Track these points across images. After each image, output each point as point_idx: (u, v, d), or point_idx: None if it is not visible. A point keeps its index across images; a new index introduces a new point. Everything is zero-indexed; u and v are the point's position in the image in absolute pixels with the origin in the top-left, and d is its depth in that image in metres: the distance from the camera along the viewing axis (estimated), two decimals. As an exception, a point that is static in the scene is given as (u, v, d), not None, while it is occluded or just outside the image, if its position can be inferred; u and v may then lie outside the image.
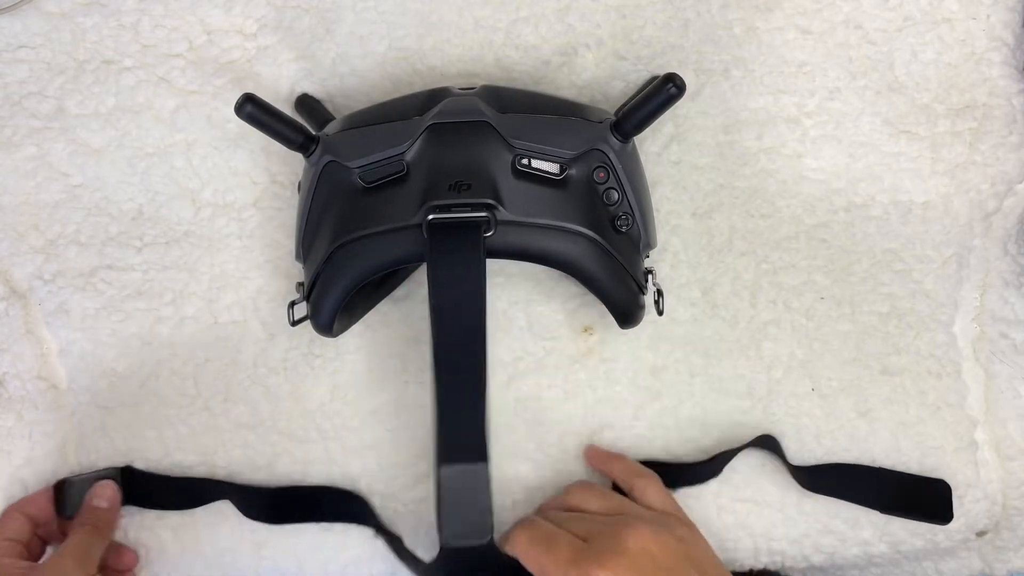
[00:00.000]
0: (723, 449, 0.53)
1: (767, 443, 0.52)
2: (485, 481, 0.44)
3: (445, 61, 0.51)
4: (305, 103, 0.51)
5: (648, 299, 0.48)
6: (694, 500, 0.53)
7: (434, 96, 0.46)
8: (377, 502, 0.54)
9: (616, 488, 0.52)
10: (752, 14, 0.51)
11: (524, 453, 0.54)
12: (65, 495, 0.52)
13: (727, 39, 0.51)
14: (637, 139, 0.47)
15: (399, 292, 0.54)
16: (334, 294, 0.44)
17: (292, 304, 0.48)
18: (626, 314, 0.46)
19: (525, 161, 0.44)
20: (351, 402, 0.54)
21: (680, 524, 0.48)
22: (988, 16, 0.50)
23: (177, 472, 0.54)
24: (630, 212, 0.45)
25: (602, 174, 0.45)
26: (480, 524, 0.45)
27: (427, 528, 0.54)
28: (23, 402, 0.54)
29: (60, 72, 0.51)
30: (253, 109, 0.42)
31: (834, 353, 0.53)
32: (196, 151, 0.52)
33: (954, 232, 0.53)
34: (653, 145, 0.52)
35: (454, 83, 0.48)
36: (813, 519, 0.54)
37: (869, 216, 0.52)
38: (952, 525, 0.53)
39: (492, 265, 0.51)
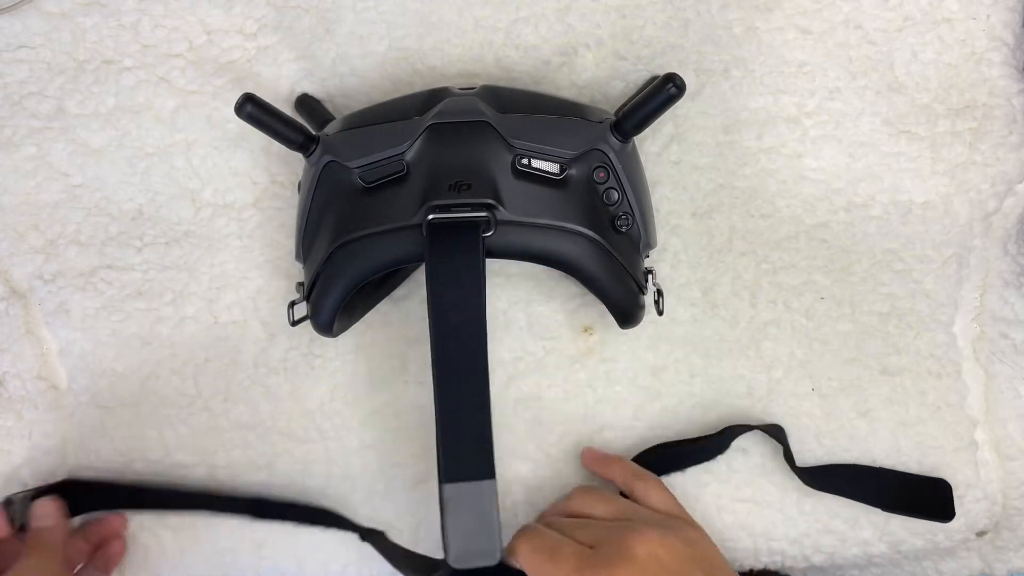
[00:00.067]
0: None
1: (775, 432, 0.52)
2: (492, 499, 0.42)
3: (445, 61, 0.51)
4: (305, 103, 0.51)
5: (648, 299, 0.48)
6: (694, 500, 0.53)
7: (434, 96, 0.46)
8: (376, 502, 0.54)
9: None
10: (752, 14, 0.51)
11: (524, 453, 0.54)
12: (13, 512, 0.51)
13: (727, 39, 0.51)
14: (637, 139, 0.47)
15: (399, 292, 0.54)
16: (334, 294, 0.44)
17: (292, 304, 0.48)
18: (626, 314, 0.46)
19: (525, 161, 0.44)
20: (351, 402, 0.54)
21: (687, 526, 0.47)
22: (988, 16, 0.50)
23: (178, 472, 0.54)
24: (630, 212, 0.45)
25: (602, 174, 0.45)
26: (488, 545, 0.42)
27: (427, 528, 0.54)
28: (23, 402, 0.54)
29: (60, 72, 0.51)
30: (253, 109, 0.42)
31: (834, 353, 0.53)
32: (196, 151, 0.52)
33: (954, 232, 0.53)
34: (653, 145, 0.52)
35: (454, 83, 0.48)
36: (813, 519, 0.54)
37: (869, 216, 0.52)
38: (952, 525, 0.53)
39: (492, 265, 0.51)
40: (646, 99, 0.43)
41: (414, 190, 0.43)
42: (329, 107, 0.51)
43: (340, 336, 0.49)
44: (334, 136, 0.45)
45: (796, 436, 0.53)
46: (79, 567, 0.52)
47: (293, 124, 0.44)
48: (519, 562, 0.44)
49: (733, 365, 0.54)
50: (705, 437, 0.53)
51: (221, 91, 0.52)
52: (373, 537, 0.52)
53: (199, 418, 0.54)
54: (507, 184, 0.43)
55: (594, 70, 0.51)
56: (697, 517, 0.50)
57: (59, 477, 0.54)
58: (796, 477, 0.52)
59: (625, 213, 0.45)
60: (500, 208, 0.43)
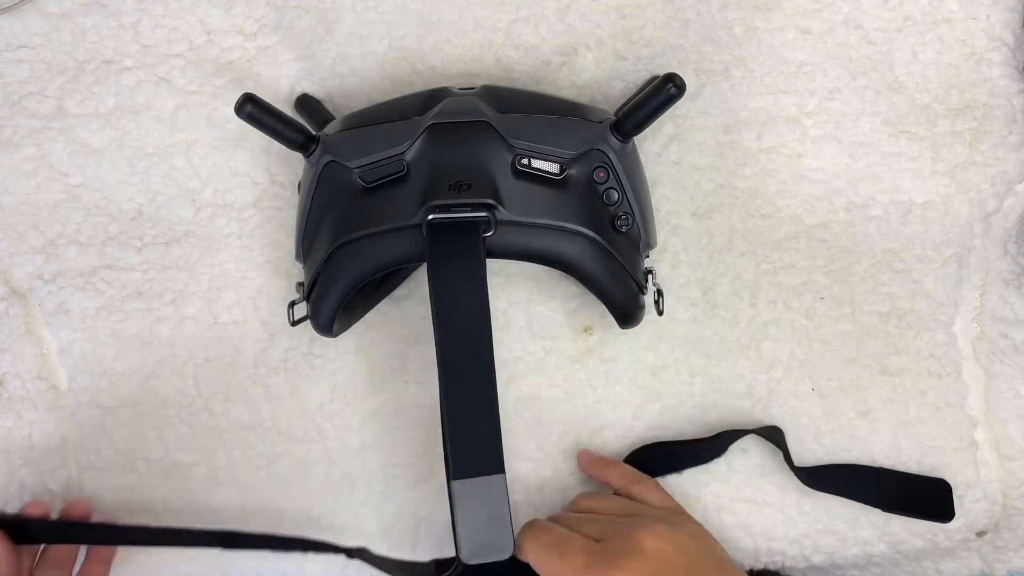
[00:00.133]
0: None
1: (773, 435, 0.52)
2: (503, 493, 0.42)
3: (445, 61, 0.51)
4: (305, 103, 0.51)
5: (648, 299, 0.48)
6: (693, 500, 0.53)
7: (434, 96, 0.46)
8: (376, 502, 0.54)
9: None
10: (752, 14, 0.51)
11: (524, 453, 0.54)
12: None
13: (727, 39, 0.51)
14: (637, 139, 0.47)
15: (399, 292, 0.54)
16: (334, 294, 0.44)
17: (292, 304, 0.48)
18: (626, 314, 0.46)
19: (525, 161, 0.44)
20: (351, 402, 0.54)
21: (689, 522, 0.48)
22: (988, 16, 0.50)
23: (178, 472, 0.54)
24: (630, 212, 0.45)
25: (602, 174, 0.45)
26: (500, 540, 0.42)
27: (427, 528, 0.54)
28: (23, 402, 0.54)
29: (60, 72, 0.51)
30: (253, 109, 0.42)
31: (834, 353, 0.53)
32: (196, 151, 0.52)
33: (954, 232, 0.53)
34: (653, 145, 0.52)
35: (454, 83, 0.48)
36: (813, 519, 0.54)
37: (869, 216, 0.52)
38: (952, 525, 0.53)
39: (492, 265, 0.51)
40: (646, 99, 0.43)
41: (414, 190, 0.43)
42: (329, 107, 0.51)
43: (340, 336, 0.49)
44: (334, 136, 0.45)
45: (796, 436, 0.53)
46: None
47: (293, 124, 0.44)
48: (528, 559, 0.44)
49: (733, 365, 0.54)
50: (701, 440, 0.53)
51: (221, 91, 0.52)
52: (360, 554, 0.52)
53: (199, 418, 0.54)
54: (507, 184, 0.43)
55: (594, 70, 0.51)
56: (697, 517, 0.50)
57: (59, 478, 0.54)
58: (796, 477, 0.52)
59: (625, 213, 0.45)
60: (500, 208, 0.43)
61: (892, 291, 0.53)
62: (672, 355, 0.54)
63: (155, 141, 0.52)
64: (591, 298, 0.46)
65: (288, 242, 0.53)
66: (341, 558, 0.54)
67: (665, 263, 0.53)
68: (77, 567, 0.52)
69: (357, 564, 0.54)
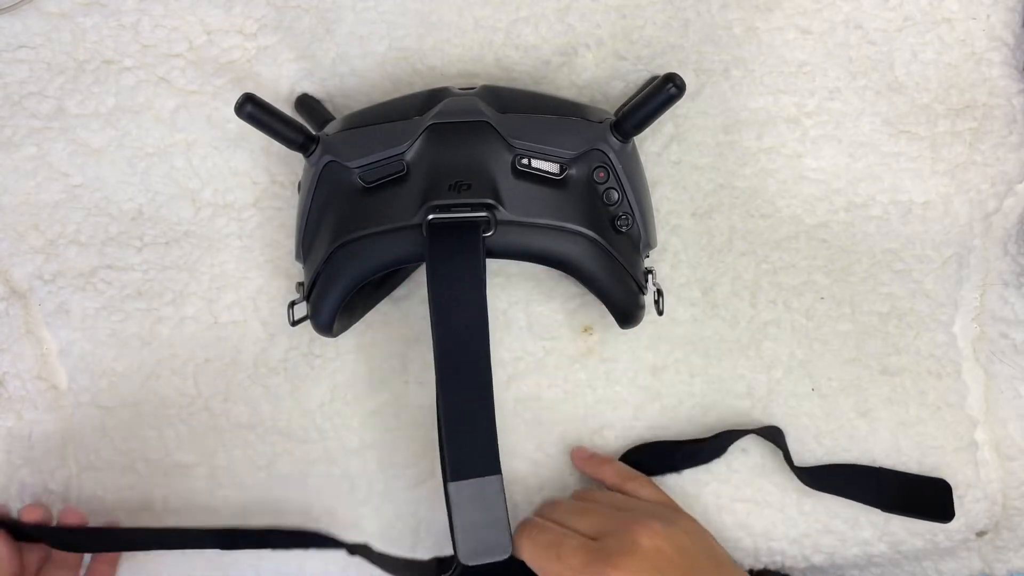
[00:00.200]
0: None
1: (773, 435, 0.52)
2: (500, 494, 0.42)
3: (445, 61, 0.51)
4: (305, 103, 0.51)
5: (648, 299, 0.48)
6: (693, 500, 0.53)
7: (434, 96, 0.46)
8: (376, 502, 0.54)
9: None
10: (752, 14, 0.51)
11: (524, 453, 0.54)
12: None
13: (727, 39, 0.51)
14: (637, 139, 0.47)
15: (399, 292, 0.54)
16: (334, 294, 0.44)
17: (292, 304, 0.48)
18: (626, 314, 0.46)
19: (525, 161, 0.44)
20: (351, 402, 0.54)
21: (684, 518, 0.48)
22: (988, 16, 0.50)
23: (178, 472, 0.54)
24: (630, 212, 0.45)
25: (602, 174, 0.45)
26: (498, 540, 0.42)
27: (427, 528, 0.54)
28: (23, 402, 0.54)
29: (60, 72, 0.51)
30: (253, 109, 0.42)
31: (834, 353, 0.53)
32: (196, 151, 0.52)
33: (954, 232, 0.53)
34: (653, 145, 0.52)
35: (454, 83, 0.48)
36: (813, 519, 0.54)
37: (869, 216, 0.52)
38: (952, 525, 0.53)
39: (492, 265, 0.51)
40: (646, 99, 0.43)
41: (414, 190, 0.43)
42: (329, 107, 0.51)
43: (340, 336, 0.49)
44: (334, 136, 0.45)
45: (796, 436, 0.53)
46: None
47: (293, 124, 0.44)
48: (524, 558, 0.44)
49: (733, 365, 0.54)
50: (701, 440, 0.53)
51: (221, 91, 0.52)
52: (361, 550, 0.52)
53: (199, 418, 0.54)
54: (507, 184, 0.43)
55: (594, 70, 0.51)
56: (696, 517, 0.50)
57: (59, 478, 0.54)
58: (796, 477, 0.52)
59: (625, 213, 0.45)
60: (500, 208, 0.43)
61: (892, 291, 0.53)
62: (672, 355, 0.54)
63: (155, 141, 0.52)
64: (591, 298, 0.46)
65: (288, 242, 0.53)
66: (342, 557, 0.54)
67: (665, 263, 0.53)
68: (84, 568, 0.52)
69: (357, 564, 0.54)
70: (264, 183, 0.53)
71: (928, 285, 0.53)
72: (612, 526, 0.44)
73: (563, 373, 0.54)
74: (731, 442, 0.53)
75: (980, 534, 0.54)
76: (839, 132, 0.52)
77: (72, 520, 0.51)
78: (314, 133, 0.45)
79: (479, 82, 0.48)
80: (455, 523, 0.42)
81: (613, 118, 0.45)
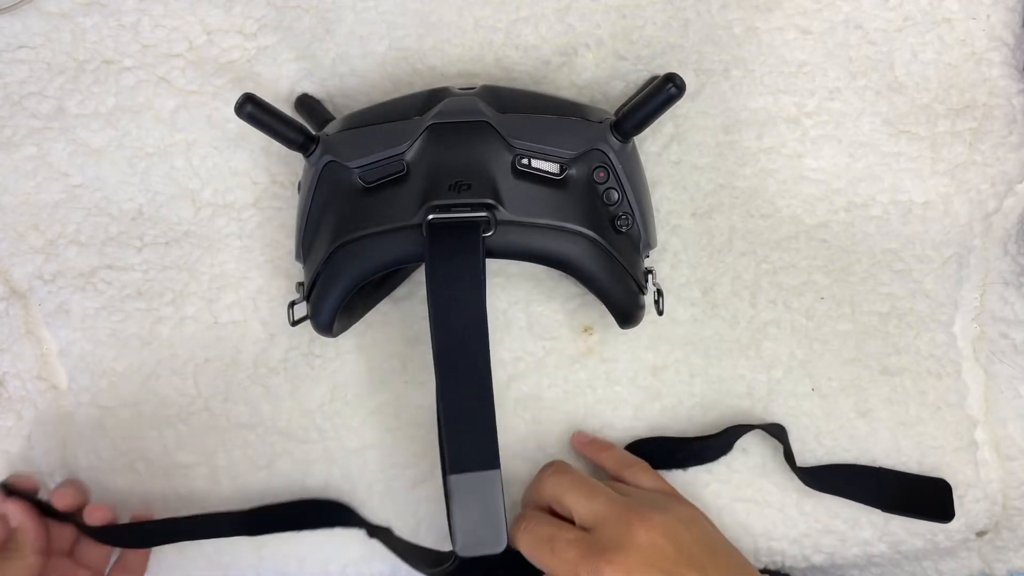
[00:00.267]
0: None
1: (777, 432, 0.52)
2: (497, 488, 0.43)
3: (445, 61, 0.51)
4: (305, 103, 0.51)
5: (648, 299, 0.48)
6: (694, 500, 0.53)
7: (434, 96, 0.46)
8: (376, 502, 0.54)
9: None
10: (752, 14, 0.51)
11: (524, 453, 0.54)
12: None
13: (727, 39, 0.51)
14: (637, 139, 0.47)
15: (399, 292, 0.54)
16: (334, 294, 0.44)
17: (292, 304, 0.48)
18: (626, 314, 0.46)
19: (525, 161, 0.44)
20: (351, 402, 0.54)
21: (681, 504, 0.48)
22: (988, 16, 0.50)
23: (178, 472, 0.54)
24: (630, 212, 0.45)
25: (602, 174, 0.45)
26: (495, 533, 0.43)
27: (427, 528, 0.54)
28: (23, 402, 0.54)
29: (60, 72, 0.51)
30: (253, 109, 0.42)
31: (834, 353, 0.53)
32: (196, 151, 0.52)
33: (954, 232, 0.53)
34: (653, 145, 0.52)
35: (454, 83, 0.48)
36: (813, 519, 0.54)
37: (869, 216, 0.52)
38: (952, 525, 0.53)
39: (492, 265, 0.51)
40: (646, 99, 0.43)
41: (414, 190, 0.43)
42: (329, 107, 0.51)
43: (340, 336, 0.49)
44: (334, 136, 0.45)
45: (796, 436, 0.53)
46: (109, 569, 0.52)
47: (293, 124, 0.44)
48: (520, 549, 0.45)
49: (733, 365, 0.54)
50: (707, 437, 0.53)
51: (221, 91, 0.52)
52: (380, 533, 0.53)
53: (199, 418, 0.54)
54: (507, 184, 0.43)
55: (594, 70, 0.51)
56: (697, 517, 0.50)
57: (58, 478, 0.54)
58: (796, 477, 0.52)
59: (625, 213, 0.45)
60: (500, 208, 0.43)
61: (892, 291, 0.53)
62: (672, 355, 0.54)
63: (155, 141, 0.52)
64: (591, 298, 0.46)
65: (288, 242, 0.53)
66: (341, 558, 0.54)
67: (665, 263, 0.53)
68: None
69: (357, 564, 0.54)
70: (264, 183, 0.53)
71: (928, 285, 0.53)
72: (609, 515, 0.44)
73: (563, 373, 0.54)
74: (737, 437, 0.53)
75: (980, 534, 0.54)
76: (839, 132, 0.52)
77: (98, 517, 0.51)
78: (314, 133, 0.45)
79: (479, 82, 0.48)
80: (453, 516, 0.43)
81: (613, 118, 0.45)
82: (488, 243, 0.42)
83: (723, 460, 0.53)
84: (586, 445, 0.53)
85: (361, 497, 0.54)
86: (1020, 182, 0.52)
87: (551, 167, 0.44)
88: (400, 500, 0.54)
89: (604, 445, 0.53)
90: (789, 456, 0.52)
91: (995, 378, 0.54)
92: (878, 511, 0.53)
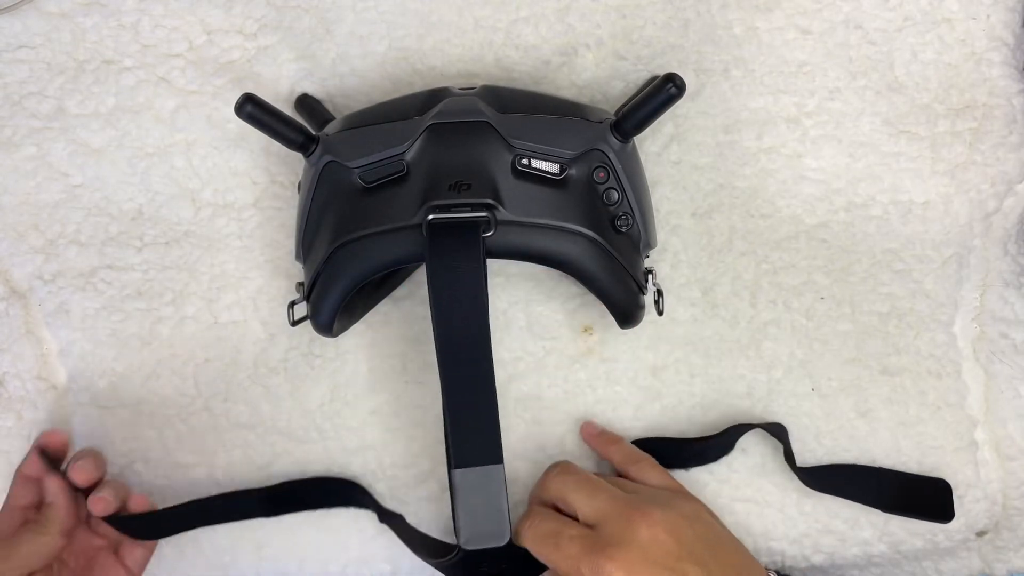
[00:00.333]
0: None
1: (777, 431, 0.52)
2: (501, 483, 0.44)
3: (445, 61, 0.51)
4: (305, 103, 0.51)
5: (648, 299, 0.48)
6: (694, 500, 0.53)
7: (434, 96, 0.46)
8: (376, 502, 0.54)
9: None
10: (752, 14, 0.51)
11: (524, 453, 0.54)
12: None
13: (727, 39, 0.51)
14: (637, 139, 0.47)
15: (399, 292, 0.54)
16: (334, 294, 0.44)
17: (292, 304, 0.48)
18: (626, 314, 0.46)
19: (525, 161, 0.44)
20: (351, 402, 0.54)
21: (685, 500, 0.48)
22: (988, 16, 0.50)
23: (178, 472, 0.54)
24: (630, 212, 0.45)
25: (602, 174, 0.45)
26: (498, 527, 0.44)
27: (428, 528, 0.54)
28: (23, 402, 0.54)
29: (60, 72, 0.51)
30: (253, 109, 0.42)
31: (834, 353, 0.53)
32: (196, 151, 0.52)
33: (954, 232, 0.53)
34: (653, 145, 0.52)
35: (454, 83, 0.48)
36: (813, 519, 0.54)
37: (869, 216, 0.52)
38: (952, 525, 0.53)
39: (492, 265, 0.51)
40: (646, 99, 0.43)
41: (414, 190, 0.43)
42: (329, 107, 0.51)
43: (340, 336, 0.49)
44: (334, 136, 0.45)
45: (796, 436, 0.53)
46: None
47: (293, 124, 0.44)
48: (524, 544, 0.45)
49: (733, 365, 0.54)
50: (707, 437, 0.53)
51: (221, 91, 0.52)
52: (393, 520, 0.53)
53: (199, 418, 0.54)
54: (507, 184, 0.43)
55: (594, 70, 0.51)
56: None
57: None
58: (796, 477, 0.52)
59: (625, 213, 0.45)
60: (500, 208, 0.43)
61: (892, 291, 0.53)
62: (672, 355, 0.54)
63: (155, 141, 0.52)
64: (591, 298, 0.46)
65: (288, 242, 0.53)
66: (342, 558, 0.54)
67: (665, 263, 0.53)
68: None
69: (357, 564, 0.54)
70: (264, 183, 0.53)
71: (928, 285, 0.53)
72: (611, 512, 0.44)
73: (563, 373, 0.54)
74: (738, 437, 0.52)
75: (980, 534, 0.54)
76: (839, 132, 0.52)
77: (55, 441, 0.52)
78: (314, 133, 0.45)
79: (479, 82, 0.48)
80: (457, 509, 0.44)
81: (613, 118, 0.45)
82: (488, 243, 0.42)
83: (723, 460, 0.53)
84: (595, 437, 0.53)
85: (361, 497, 0.54)
86: (1020, 182, 0.52)
87: (551, 167, 0.44)
88: (400, 500, 0.54)
89: (613, 438, 0.53)
90: (789, 456, 0.52)
91: (995, 378, 0.54)
92: (878, 511, 0.53)
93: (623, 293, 0.45)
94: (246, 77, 0.52)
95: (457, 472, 0.43)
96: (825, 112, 0.51)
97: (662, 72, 0.44)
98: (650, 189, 0.49)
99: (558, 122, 0.44)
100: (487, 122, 0.44)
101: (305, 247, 0.47)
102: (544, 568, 0.46)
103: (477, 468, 0.44)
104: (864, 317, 0.53)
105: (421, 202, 0.43)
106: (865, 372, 0.53)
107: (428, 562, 0.50)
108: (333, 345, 0.54)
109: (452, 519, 0.45)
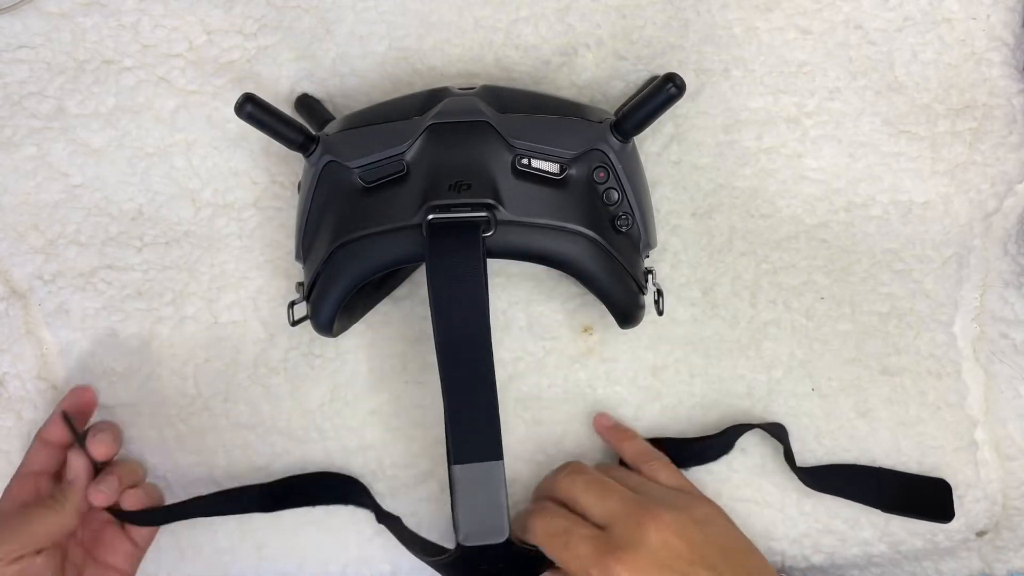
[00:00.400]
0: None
1: (777, 431, 0.52)
2: (500, 479, 0.44)
3: (445, 61, 0.51)
4: (305, 103, 0.51)
5: (648, 299, 0.48)
6: (694, 500, 0.53)
7: (434, 96, 0.46)
8: (376, 502, 0.54)
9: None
10: (752, 14, 0.51)
11: (524, 453, 0.54)
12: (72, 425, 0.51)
13: (727, 39, 0.51)
14: (637, 139, 0.47)
15: (399, 292, 0.54)
16: (334, 294, 0.44)
17: (292, 304, 0.48)
18: (626, 314, 0.46)
19: (525, 161, 0.44)
20: (351, 402, 0.54)
21: (699, 503, 0.47)
22: (988, 16, 0.50)
23: (177, 473, 0.54)
24: (630, 212, 0.45)
25: (602, 174, 0.45)
26: (497, 523, 0.44)
27: (428, 528, 0.54)
28: (23, 402, 0.54)
29: (60, 72, 0.51)
30: (253, 109, 0.42)
31: (834, 353, 0.53)
32: (196, 151, 0.52)
33: (954, 232, 0.53)
34: (653, 145, 0.52)
35: (454, 83, 0.48)
36: (813, 519, 0.54)
37: (869, 216, 0.52)
38: (952, 525, 0.53)
39: (492, 265, 0.50)
40: (646, 99, 0.43)
41: (414, 190, 0.43)
42: (329, 107, 0.51)
43: (340, 336, 0.49)
44: (334, 136, 0.45)
45: (796, 436, 0.53)
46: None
47: (293, 124, 0.44)
48: (535, 541, 0.45)
49: (733, 365, 0.54)
50: (708, 437, 0.53)
51: (221, 91, 0.52)
52: (390, 520, 0.53)
53: (199, 418, 0.54)
54: (507, 184, 0.43)
55: (594, 70, 0.51)
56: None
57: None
58: (796, 477, 0.52)
59: (625, 213, 0.45)
60: (500, 208, 0.43)
61: (892, 291, 0.53)
62: (672, 355, 0.54)
63: (155, 141, 0.52)
64: (591, 298, 0.46)
65: (288, 242, 0.53)
66: (341, 558, 0.54)
67: (665, 263, 0.53)
68: None
69: (357, 564, 0.54)
70: (264, 183, 0.53)
71: (928, 285, 0.53)
72: (623, 513, 0.44)
73: (563, 373, 0.54)
74: (737, 437, 0.52)
75: (980, 534, 0.54)
76: (839, 132, 0.52)
77: (83, 399, 0.52)
78: (314, 133, 0.45)
79: (479, 82, 0.48)
80: (457, 505, 0.44)
81: (613, 118, 0.45)
82: (488, 243, 0.42)
83: (723, 460, 0.53)
84: (609, 429, 0.53)
85: (361, 497, 0.54)
86: (1020, 182, 0.52)
87: (551, 167, 0.44)
88: (400, 500, 0.54)
89: (628, 434, 0.52)
90: (789, 456, 0.52)
91: (995, 378, 0.54)
92: (878, 511, 0.53)
93: (623, 293, 0.45)
94: (246, 77, 0.52)
95: (457, 468, 0.43)
96: (825, 112, 0.51)
97: (662, 72, 0.44)
98: (650, 189, 0.49)
99: (558, 122, 0.44)
100: (487, 122, 0.44)
101: (305, 247, 0.47)
102: (542, 568, 0.46)
103: (477, 464, 0.43)
104: (864, 317, 0.53)
105: (421, 202, 0.43)
106: (865, 372, 0.53)
107: (426, 561, 0.50)
108: (333, 345, 0.54)
109: (452, 516, 0.45)
